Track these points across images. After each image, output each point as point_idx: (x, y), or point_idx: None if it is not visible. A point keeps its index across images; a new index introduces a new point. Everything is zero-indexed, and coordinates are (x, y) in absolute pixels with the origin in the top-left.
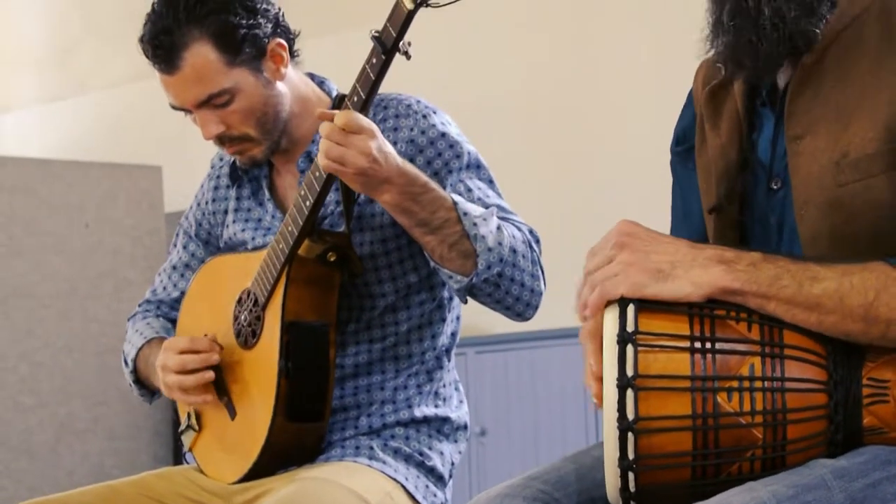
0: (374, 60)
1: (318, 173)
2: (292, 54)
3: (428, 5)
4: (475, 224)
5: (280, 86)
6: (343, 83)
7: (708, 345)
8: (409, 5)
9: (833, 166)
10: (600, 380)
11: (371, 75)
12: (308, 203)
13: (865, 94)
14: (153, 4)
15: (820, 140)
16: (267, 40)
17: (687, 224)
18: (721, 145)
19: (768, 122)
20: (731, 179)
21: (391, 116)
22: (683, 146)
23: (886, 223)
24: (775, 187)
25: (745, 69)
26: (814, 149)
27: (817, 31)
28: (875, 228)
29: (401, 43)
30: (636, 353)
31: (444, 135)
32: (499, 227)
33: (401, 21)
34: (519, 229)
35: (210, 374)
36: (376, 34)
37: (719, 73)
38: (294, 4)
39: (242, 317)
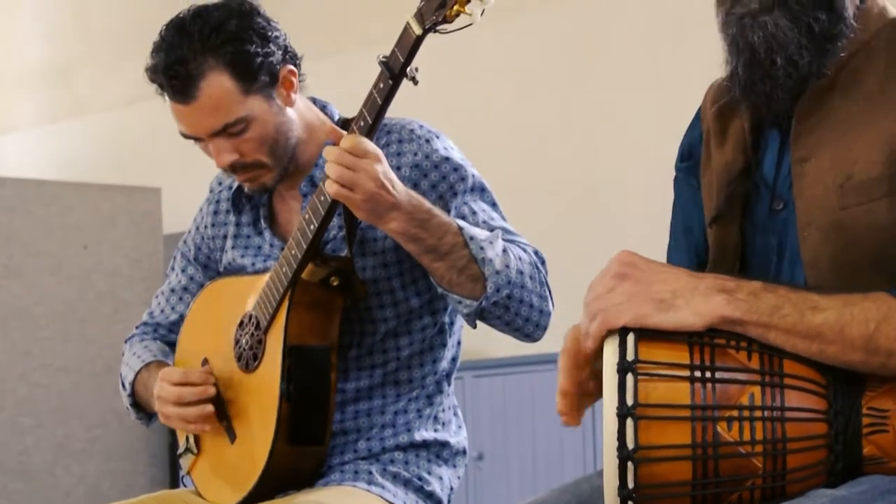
0: (382, 85)
1: (322, 197)
2: (300, 80)
3: (436, 31)
4: (482, 248)
5: (290, 112)
6: (342, 105)
7: (708, 374)
8: (417, 31)
9: (837, 189)
10: (566, 394)
11: (378, 100)
12: (312, 227)
13: (871, 119)
14: (162, 34)
15: (825, 162)
16: (279, 67)
17: (687, 240)
18: (726, 161)
19: (774, 143)
20: (734, 189)
21: (394, 141)
22: (688, 162)
23: (888, 248)
24: (778, 208)
25: (759, 113)
26: (818, 171)
27: (828, 70)
28: (876, 252)
29: (408, 68)
30: (636, 382)
31: (447, 159)
32: (505, 250)
33: (409, 46)
34: (524, 251)
35: (210, 408)
36: (384, 59)
37: (728, 93)
38: (292, 27)
39: (244, 340)
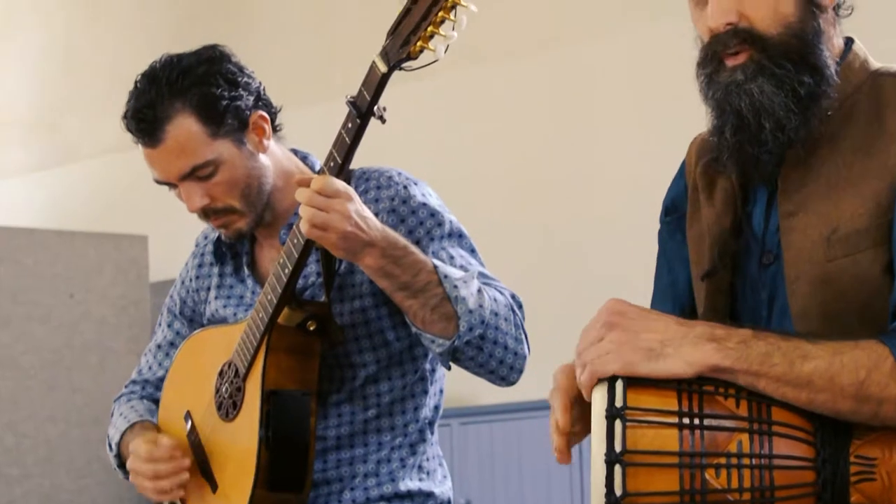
0: (350, 125)
1: (296, 240)
2: (275, 129)
3: (402, 69)
4: (456, 286)
5: (263, 158)
6: (325, 153)
7: (696, 421)
8: (382, 69)
9: (823, 241)
10: (563, 434)
11: (346, 139)
12: (287, 271)
13: (855, 171)
14: (136, 82)
15: (812, 216)
16: (249, 112)
17: (672, 293)
18: (716, 214)
19: (762, 197)
20: (726, 244)
21: (373, 188)
22: (673, 216)
23: (874, 299)
24: (767, 262)
25: (747, 174)
26: (806, 225)
27: (814, 132)
28: (864, 304)
29: (375, 107)
30: (625, 428)
31: (424, 204)
32: (479, 290)
33: (375, 84)
34: (501, 293)
35: (185, 476)
36: (351, 99)
37: (714, 150)
38: (276, 76)
39: (223, 389)
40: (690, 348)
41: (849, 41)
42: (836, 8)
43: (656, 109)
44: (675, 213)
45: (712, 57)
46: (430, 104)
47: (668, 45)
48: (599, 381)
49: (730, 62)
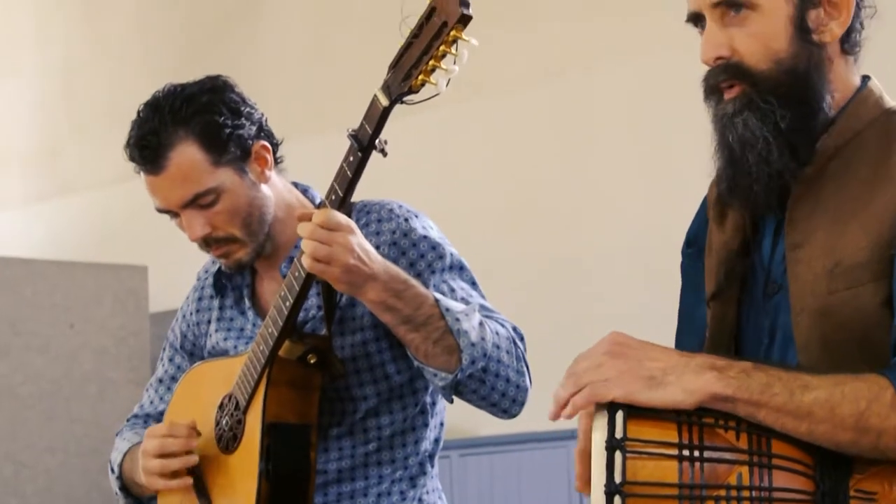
0: (351, 158)
1: (297, 273)
2: (276, 161)
3: (403, 102)
4: (458, 319)
5: (265, 188)
6: (326, 184)
7: (696, 453)
8: (384, 102)
9: (827, 274)
10: (585, 457)
11: (348, 173)
12: (288, 304)
13: (861, 205)
14: (139, 111)
15: (817, 249)
16: (251, 142)
17: (692, 325)
18: (725, 241)
19: (770, 227)
20: (733, 266)
21: (373, 221)
22: (693, 248)
23: (874, 332)
24: (772, 292)
25: (746, 209)
26: (811, 257)
27: (805, 164)
28: (864, 337)
29: (377, 140)
30: (625, 459)
31: (425, 237)
32: (481, 323)
33: (376, 118)
34: (502, 325)
35: (194, 459)
36: (353, 132)
37: (730, 201)
38: (277, 107)
39: (224, 421)
40: (692, 376)
41: (865, 78)
42: (845, 41)
43: (656, 142)
44: (695, 245)
45: (711, 90)
46: (429, 136)
47: (668, 78)
48: (598, 408)
49: (726, 95)
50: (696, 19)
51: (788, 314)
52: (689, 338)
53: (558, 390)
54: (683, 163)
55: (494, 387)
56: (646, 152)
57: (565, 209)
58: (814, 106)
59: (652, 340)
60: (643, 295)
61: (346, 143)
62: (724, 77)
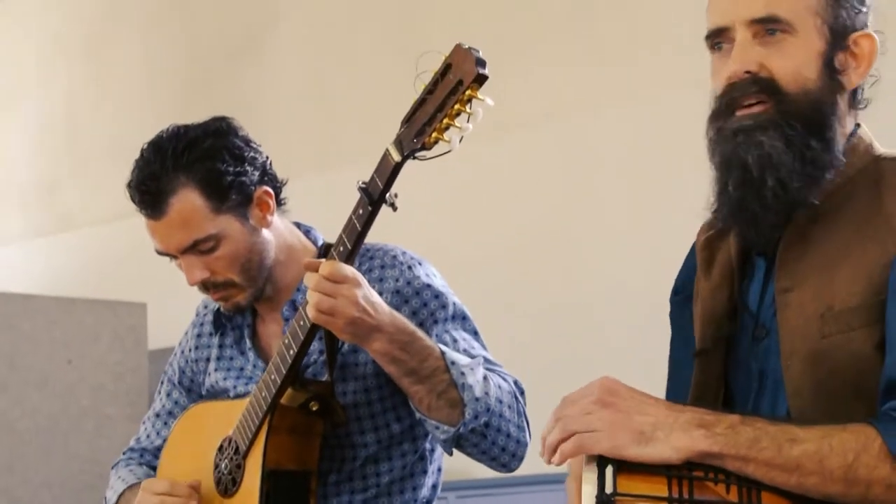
0: (361, 211)
1: (302, 322)
2: (279, 202)
3: (415, 158)
4: (463, 373)
5: (266, 233)
6: (329, 223)
7: None
8: (396, 157)
9: (818, 318)
10: None
11: (357, 226)
12: (292, 352)
13: (852, 249)
14: (142, 151)
15: (807, 293)
16: (254, 188)
17: (681, 373)
18: (711, 289)
19: (759, 272)
20: (719, 323)
21: (377, 267)
22: (681, 296)
23: (868, 376)
24: (761, 336)
25: (746, 236)
26: (801, 301)
27: (816, 199)
28: (857, 381)
29: (388, 194)
30: None
31: (429, 286)
32: (485, 377)
33: (388, 173)
34: (504, 380)
35: None
36: (363, 185)
37: (718, 223)
38: (280, 146)
39: (223, 464)
40: (680, 433)
41: (856, 126)
42: (853, 95)
43: (657, 186)
44: (682, 293)
45: (726, 107)
46: (430, 178)
47: (671, 122)
48: (588, 459)
49: (741, 112)
50: (718, 35)
51: (778, 358)
52: (679, 385)
53: (547, 433)
54: (686, 207)
55: (495, 441)
56: (648, 196)
57: (567, 253)
58: (831, 143)
59: (654, 383)
60: (644, 338)
61: (348, 181)
62: (753, 89)
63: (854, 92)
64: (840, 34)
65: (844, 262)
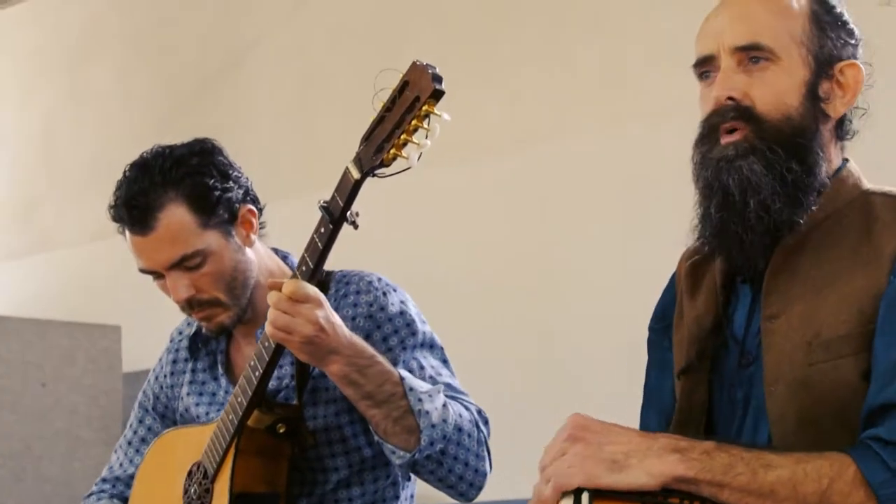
0: (322, 230)
1: (267, 343)
2: (260, 226)
3: (375, 175)
4: (420, 400)
5: (249, 252)
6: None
7: None
8: (355, 175)
9: (805, 346)
10: None
11: (319, 244)
12: (257, 373)
13: (840, 279)
14: (125, 171)
15: (794, 320)
16: (238, 205)
17: (657, 400)
18: (696, 316)
19: (745, 298)
20: (704, 342)
21: (352, 292)
22: (661, 324)
23: (852, 404)
24: (746, 363)
25: (731, 259)
26: (787, 328)
27: (801, 220)
28: (841, 409)
29: (348, 212)
30: None
31: (402, 313)
32: (445, 405)
33: (348, 190)
34: (467, 408)
35: None
36: (324, 204)
37: (702, 250)
38: (259, 171)
39: (192, 490)
40: (654, 459)
41: (845, 160)
42: (840, 125)
43: (637, 213)
44: (662, 321)
45: (710, 132)
46: (401, 203)
47: (650, 149)
48: (566, 494)
49: (724, 139)
50: (705, 63)
51: (762, 385)
52: (654, 413)
53: (536, 487)
54: (667, 234)
55: (452, 469)
56: (627, 223)
57: (545, 279)
58: (813, 168)
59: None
60: (625, 366)
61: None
62: (732, 116)
63: (841, 122)
64: (825, 63)
65: (832, 291)
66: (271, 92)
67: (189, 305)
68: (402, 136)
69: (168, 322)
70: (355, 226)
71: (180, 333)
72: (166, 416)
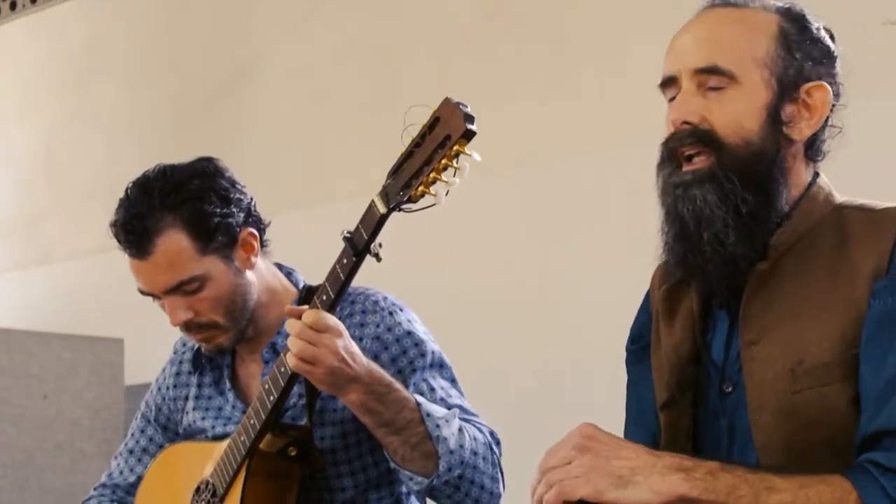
0: (345, 261)
1: (283, 369)
2: (262, 244)
3: (401, 210)
4: (438, 426)
5: (249, 274)
6: (311, 262)
7: None
8: (381, 209)
9: (788, 373)
10: None
11: (341, 276)
12: (272, 398)
13: (819, 302)
14: (127, 190)
15: (774, 346)
16: (239, 229)
17: (641, 423)
18: (675, 344)
19: (723, 324)
20: (684, 373)
21: (358, 312)
22: (638, 345)
23: (840, 431)
24: (728, 390)
25: (698, 286)
26: (768, 355)
27: (755, 252)
28: (829, 436)
29: (372, 245)
30: None
31: (409, 333)
32: (461, 429)
33: (373, 224)
34: (480, 431)
35: None
36: (348, 234)
37: (676, 274)
38: (263, 185)
39: None
40: (659, 478)
41: (815, 175)
42: (810, 147)
43: (635, 232)
44: (640, 342)
45: (670, 156)
46: (405, 223)
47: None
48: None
49: (686, 167)
50: (668, 84)
51: (746, 412)
52: (638, 431)
53: (533, 485)
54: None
55: (469, 493)
56: (627, 241)
57: (546, 298)
58: (773, 196)
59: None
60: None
61: (331, 220)
62: (690, 141)
63: (812, 143)
64: (789, 85)
65: (812, 316)
66: (275, 108)
67: (187, 328)
68: (432, 175)
69: (170, 335)
70: (378, 258)
71: (184, 345)
72: (168, 427)
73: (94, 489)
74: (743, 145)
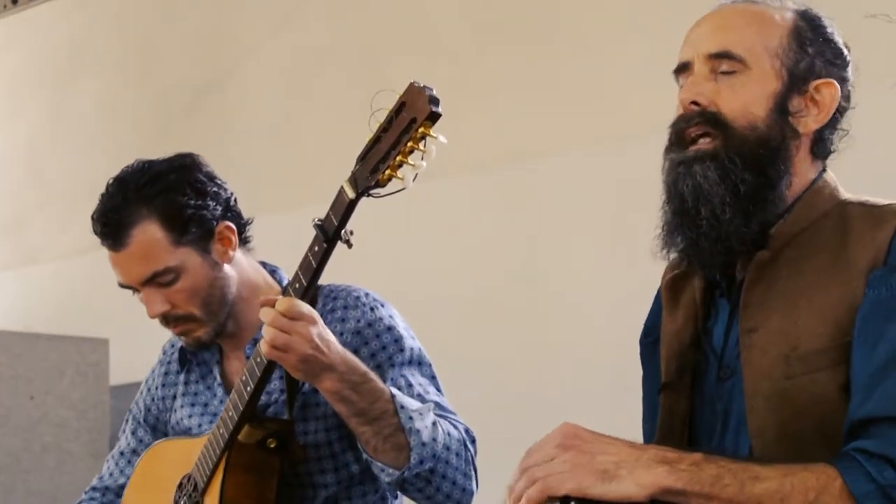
0: (316, 248)
1: (259, 359)
2: (244, 240)
3: (370, 195)
4: (411, 418)
5: (227, 268)
6: (294, 258)
7: None
8: (350, 195)
9: (783, 359)
10: None
11: (312, 263)
12: (249, 388)
13: (817, 291)
14: (107, 185)
15: (772, 333)
16: (215, 222)
17: (652, 414)
18: (676, 330)
19: (723, 312)
20: (684, 359)
21: (339, 307)
22: (651, 338)
23: (831, 417)
24: (725, 377)
25: (692, 263)
26: (766, 341)
27: (750, 232)
28: (821, 422)
29: (343, 231)
30: None
31: (390, 328)
32: (434, 423)
33: (342, 210)
34: (455, 427)
35: None
36: (319, 222)
37: (681, 264)
38: (247, 186)
39: (182, 502)
40: (643, 471)
41: (822, 171)
42: (817, 142)
43: (623, 232)
44: (652, 334)
45: (676, 137)
46: (390, 221)
47: (637, 164)
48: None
49: (692, 148)
50: (682, 70)
51: (742, 398)
52: (650, 426)
53: (512, 484)
54: (653, 251)
55: (440, 488)
56: (613, 239)
57: (531, 296)
58: (772, 180)
59: (620, 427)
60: (611, 383)
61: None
62: (697, 121)
63: (819, 139)
64: (799, 78)
65: (809, 304)
66: (257, 109)
67: (165, 321)
68: (398, 158)
69: (156, 335)
70: (349, 244)
71: (172, 346)
72: (157, 428)
73: (85, 492)
74: (748, 129)
